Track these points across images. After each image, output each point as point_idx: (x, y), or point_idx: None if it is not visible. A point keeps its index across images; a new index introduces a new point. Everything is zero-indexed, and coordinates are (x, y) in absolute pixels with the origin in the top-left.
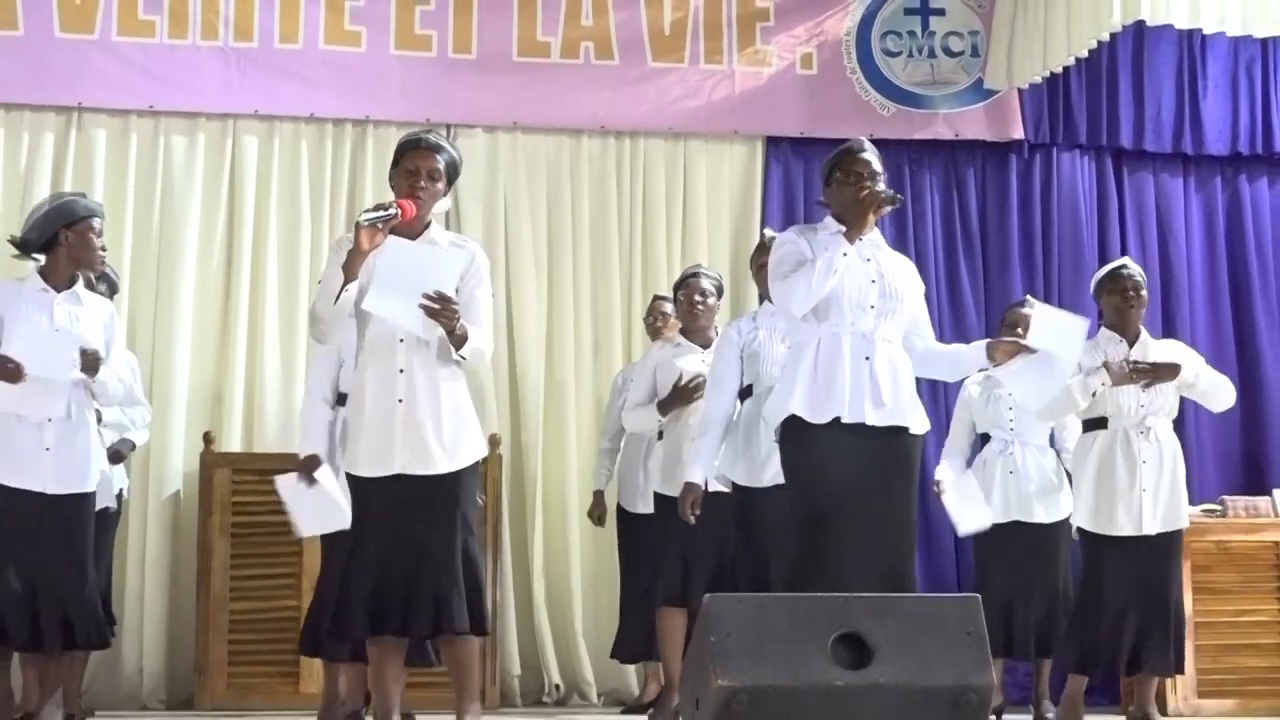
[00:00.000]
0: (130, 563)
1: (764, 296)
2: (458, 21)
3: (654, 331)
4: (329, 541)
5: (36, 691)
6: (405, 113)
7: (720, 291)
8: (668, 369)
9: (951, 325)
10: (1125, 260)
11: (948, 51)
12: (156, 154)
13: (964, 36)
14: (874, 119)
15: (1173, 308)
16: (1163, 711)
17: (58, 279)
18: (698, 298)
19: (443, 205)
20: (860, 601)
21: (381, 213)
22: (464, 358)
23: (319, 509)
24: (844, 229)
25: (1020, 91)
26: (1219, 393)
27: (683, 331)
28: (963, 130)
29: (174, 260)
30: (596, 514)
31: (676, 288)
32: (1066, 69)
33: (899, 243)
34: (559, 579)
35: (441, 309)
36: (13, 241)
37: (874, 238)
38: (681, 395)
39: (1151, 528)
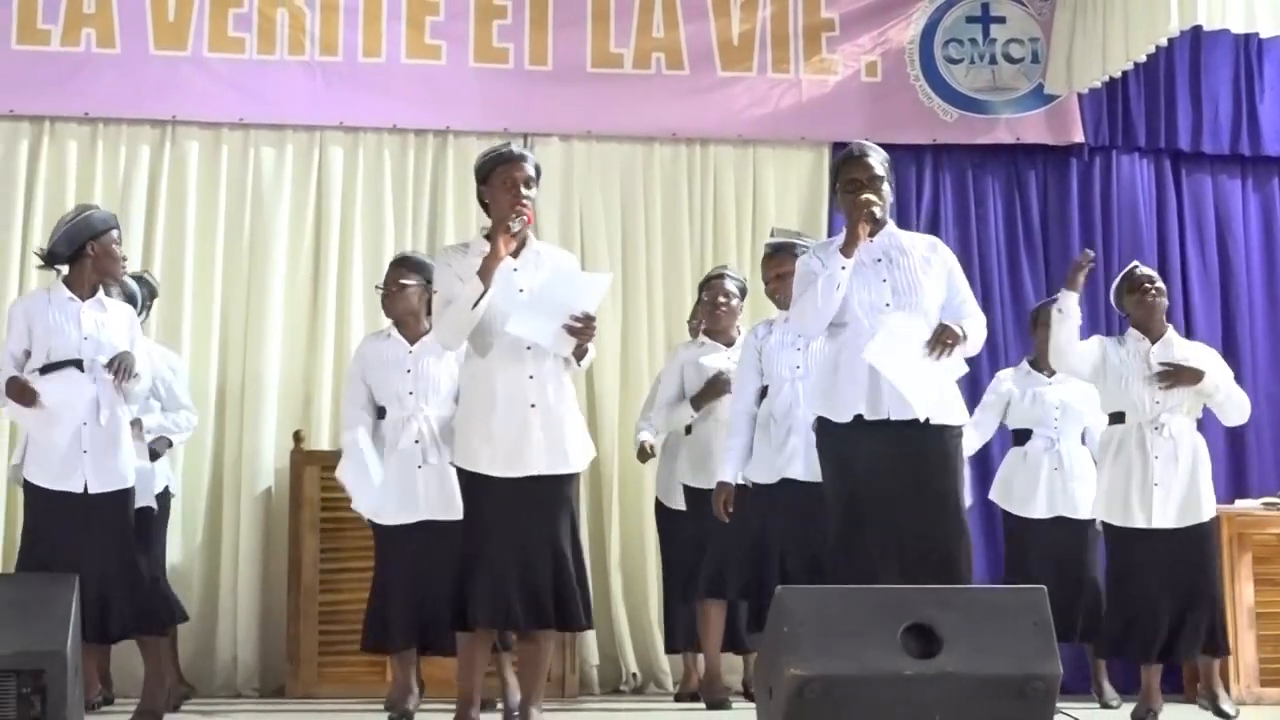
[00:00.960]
0: (224, 557)
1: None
2: (534, 35)
3: (695, 333)
4: (388, 541)
5: (96, 683)
6: (484, 123)
7: (744, 292)
8: (694, 368)
9: (1015, 327)
10: (1135, 262)
11: (1009, 58)
12: (246, 165)
13: (1024, 43)
14: (937, 125)
15: (1232, 308)
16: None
17: (82, 288)
18: (721, 298)
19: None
20: (928, 592)
21: (519, 222)
22: (580, 367)
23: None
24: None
25: (1080, 96)
26: (1234, 407)
27: (706, 331)
28: (1024, 135)
29: (264, 267)
30: (646, 449)
31: (701, 288)
32: (1125, 73)
33: (962, 246)
34: (635, 572)
35: (584, 328)
36: (40, 254)
37: (888, 231)
38: (715, 388)
39: (1165, 521)
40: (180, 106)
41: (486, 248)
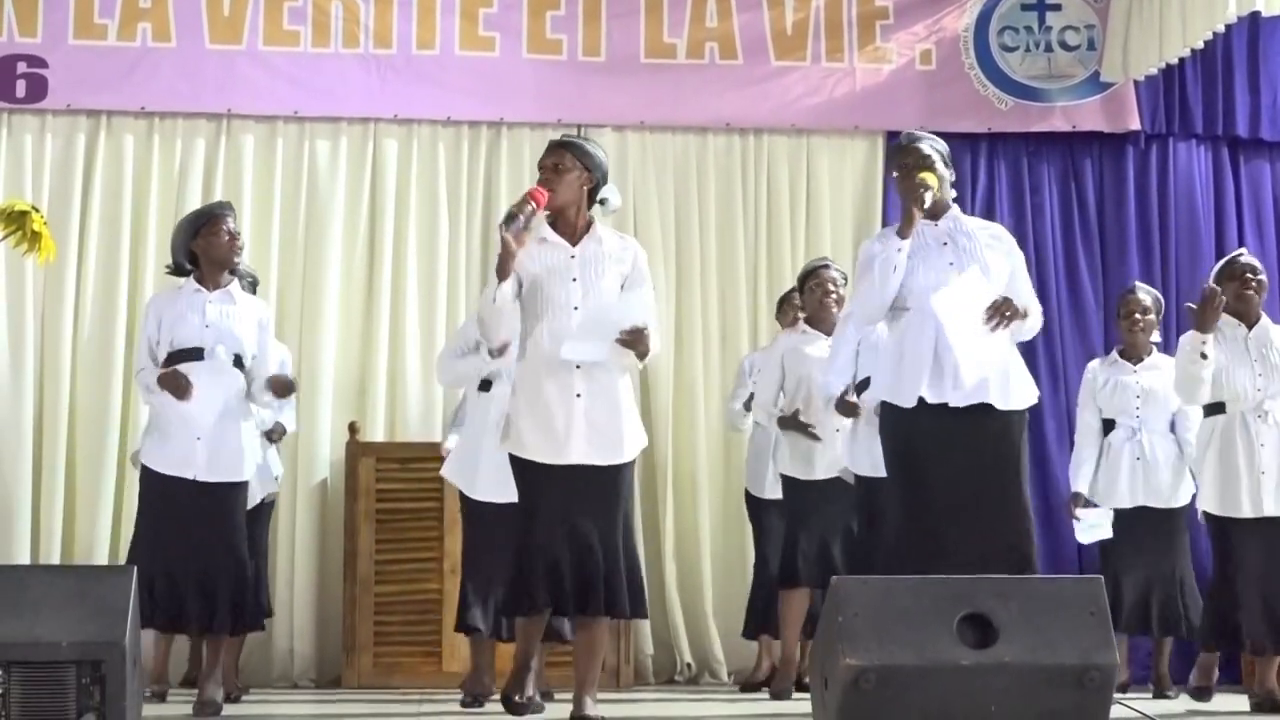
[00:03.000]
0: (281, 548)
1: None
2: (587, 26)
3: (786, 323)
4: (477, 525)
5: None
6: (538, 114)
7: (846, 281)
8: (796, 357)
9: (1071, 315)
10: (1241, 250)
11: (1064, 45)
12: (302, 157)
13: (1080, 30)
14: (992, 113)
15: None
16: None
17: (209, 282)
18: (830, 287)
19: (614, 203)
20: (985, 582)
21: (517, 219)
22: (642, 364)
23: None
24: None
25: (1136, 83)
26: None
27: (808, 321)
28: (1080, 123)
29: (319, 259)
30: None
31: (804, 279)
32: (1182, 60)
33: (1018, 235)
34: (689, 562)
35: (636, 339)
36: (169, 269)
37: (953, 215)
38: (798, 426)
39: (1274, 509)
40: (236, 100)
41: (548, 234)
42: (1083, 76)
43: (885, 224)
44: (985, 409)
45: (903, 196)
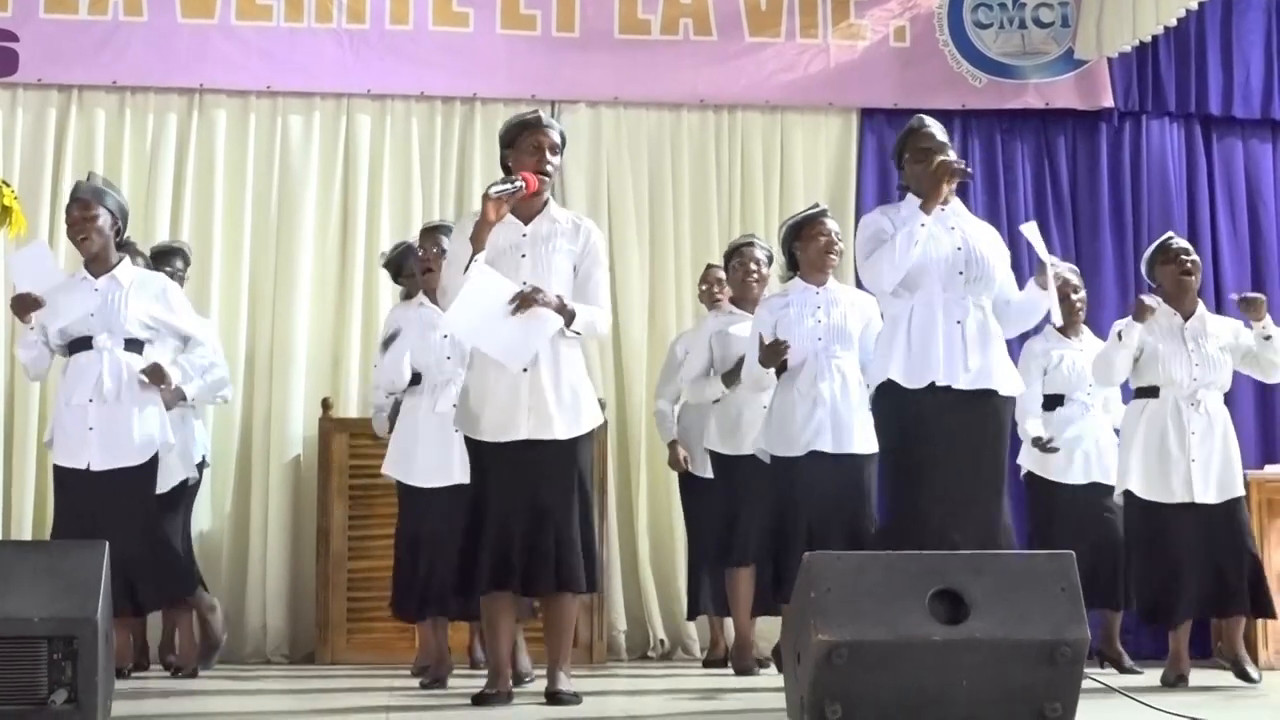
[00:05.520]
0: (254, 524)
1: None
2: (561, 1)
3: (709, 299)
4: (413, 512)
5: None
6: (512, 90)
7: (771, 260)
8: (723, 338)
9: None
10: (1170, 233)
11: (1038, 22)
12: (275, 133)
13: (1054, 7)
14: (966, 90)
15: (1262, 272)
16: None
17: (93, 266)
18: (753, 267)
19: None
20: (956, 558)
21: (509, 186)
22: (577, 333)
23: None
24: (923, 200)
25: (1110, 61)
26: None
27: (734, 300)
28: (1053, 100)
29: (292, 234)
30: (679, 459)
31: (728, 257)
32: (1155, 38)
33: (991, 211)
34: (663, 538)
35: (525, 300)
36: None
37: (956, 207)
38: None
39: (1205, 497)
40: (208, 75)
41: (506, 212)
42: (1056, 54)
43: (859, 200)
44: (988, 394)
45: (931, 174)
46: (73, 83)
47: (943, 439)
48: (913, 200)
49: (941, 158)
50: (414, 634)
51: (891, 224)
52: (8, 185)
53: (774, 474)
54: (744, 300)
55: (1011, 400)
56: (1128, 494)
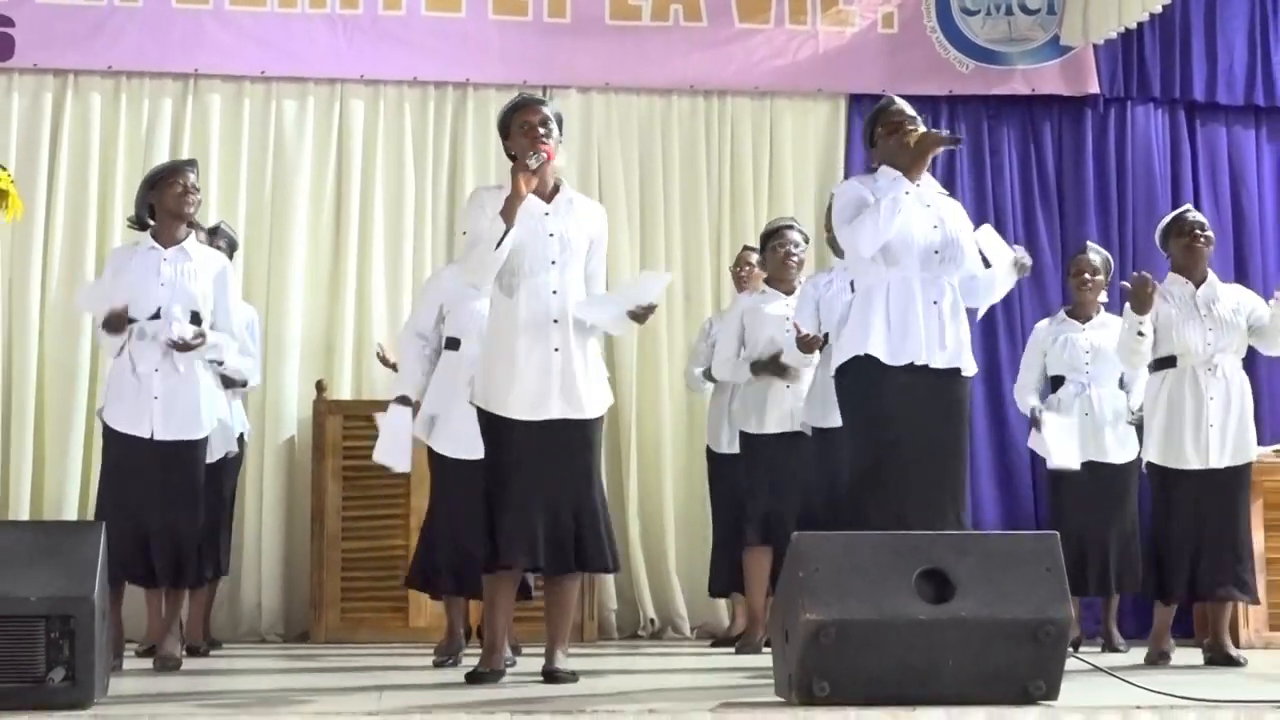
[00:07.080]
0: (249, 505)
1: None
2: None
3: (740, 281)
4: (445, 483)
5: (159, 625)
6: (504, 75)
7: (808, 241)
8: (755, 317)
9: (1029, 276)
10: (1188, 206)
11: (1024, 9)
12: (269, 118)
13: None
14: (953, 76)
15: (1245, 257)
16: (1235, 644)
17: (165, 238)
18: (792, 248)
19: (560, 162)
20: (942, 538)
21: (533, 160)
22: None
23: (397, 446)
24: (901, 173)
25: (1095, 47)
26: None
27: (768, 281)
28: (1039, 86)
29: (286, 218)
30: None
31: (765, 239)
32: (1140, 24)
33: (977, 196)
34: (653, 518)
35: (644, 316)
36: (130, 222)
37: (929, 183)
38: (777, 368)
39: (1219, 461)
40: (202, 60)
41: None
42: (1043, 40)
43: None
44: (954, 373)
45: (916, 144)
46: (68, 68)
47: (917, 417)
48: (889, 171)
49: (925, 130)
50: (406, 613)
51: (871, 193)
52: (4, 169)
53: (802, 448)
54: (780, 281)
55: (970, 380)
56: (1150, 465)
